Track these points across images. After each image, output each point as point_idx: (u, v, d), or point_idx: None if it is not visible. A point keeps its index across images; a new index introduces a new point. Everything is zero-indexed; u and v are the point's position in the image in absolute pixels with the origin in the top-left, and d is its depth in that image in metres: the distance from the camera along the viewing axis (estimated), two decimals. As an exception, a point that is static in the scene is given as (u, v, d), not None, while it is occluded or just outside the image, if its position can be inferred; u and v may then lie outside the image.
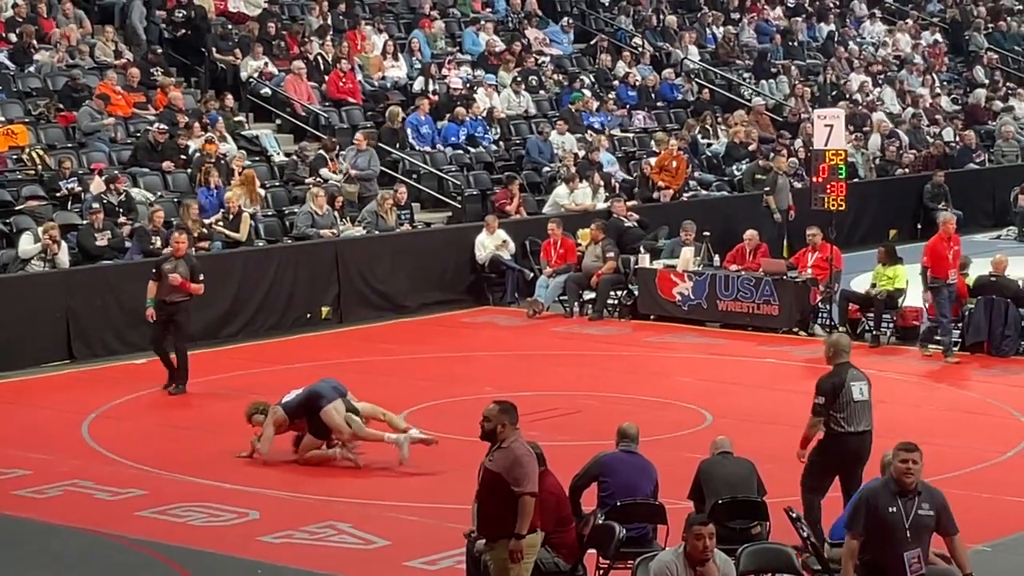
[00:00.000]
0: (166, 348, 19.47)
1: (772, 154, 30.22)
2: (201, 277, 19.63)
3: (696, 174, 30.16)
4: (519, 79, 31.68)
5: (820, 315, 23.25)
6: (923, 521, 10.15)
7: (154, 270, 19.43)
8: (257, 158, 26.63)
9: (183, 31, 29.58)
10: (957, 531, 10.30)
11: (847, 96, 35.63)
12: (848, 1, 42.09)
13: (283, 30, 30.63)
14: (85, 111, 25.59)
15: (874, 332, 22.22)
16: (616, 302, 24.74)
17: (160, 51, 28.79)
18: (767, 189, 28.12)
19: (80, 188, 23.59)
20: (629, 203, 27.32)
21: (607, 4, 37.44)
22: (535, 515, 10.59)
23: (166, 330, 19.39)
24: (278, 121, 28.68)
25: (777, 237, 27.27)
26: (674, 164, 28.64)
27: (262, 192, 25.31)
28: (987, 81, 39.73)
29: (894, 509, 10.11)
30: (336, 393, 16.01)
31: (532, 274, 25.46)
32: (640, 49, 34.86)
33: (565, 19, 35.46)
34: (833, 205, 23.18)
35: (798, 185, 29.25)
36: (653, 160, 28.94)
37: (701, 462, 12.49)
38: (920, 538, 10.18)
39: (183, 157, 25.53)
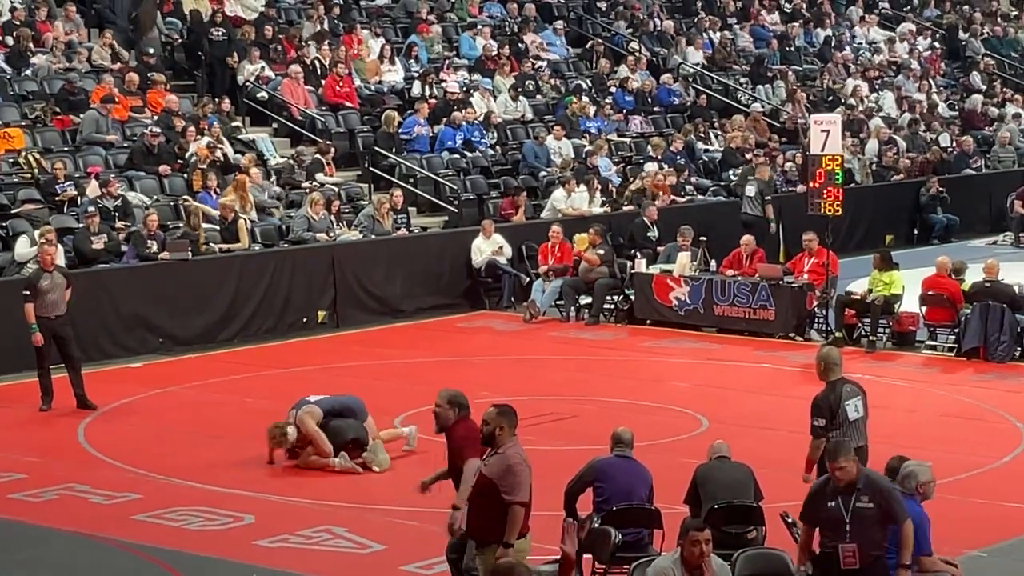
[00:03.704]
0: (50, 367, 18.70)
1: (758, 164, 30.17)
2: (71, 279, 19.06)
3: (693, 179, 30.17)
4: (516, 84, 31.69)
5: (816, 320, 23.25)
6: (864, 513, 10.55)
7: (26, 291, 18.55)
8: (256, 162, 26.58)
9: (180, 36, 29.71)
10: (906, 518, 10.60)
11: (842, 101, 35.64)
12: (845, 7, 42.12)
13: (280, 34, 30.65)
14: (91, 115, 25.57)
15: (870, 337, 22.22)
16: (612, 307, 24.75)
17: (153, 52, 28.76)
18: (768, 198, 27.97)
19: (76, 192, 23.59)
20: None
21: (604, 9, 37.45)
22: (524, 520, 10.59)
23: (51, 348, 18.64)
24: (274, 125, 28.69)
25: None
26: (660, 194, 28.39)
27: (262, 196, 25.30)
28: (984, 87, 39.77)
29: (833, 504, 10.59)
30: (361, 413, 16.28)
31: (528, 278, 25.47)
32: (637, 54, 34.87)
33: (559, 23, 35.45)
34: (830, 210, 23.18)
35: (800, 189, 29.27)
36: (634, 184, 28.80)
37: (698, 467, 12.47)
38: (864, 531, 10.55)
39: (180, 161, 25.54)
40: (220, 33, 29.14)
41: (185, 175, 25.24)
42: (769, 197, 27.96)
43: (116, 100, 26.14)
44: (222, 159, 25.51)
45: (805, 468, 12.87)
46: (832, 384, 12.86)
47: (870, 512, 10.54)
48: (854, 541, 10.52)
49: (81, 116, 25.79)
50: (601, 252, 24.66)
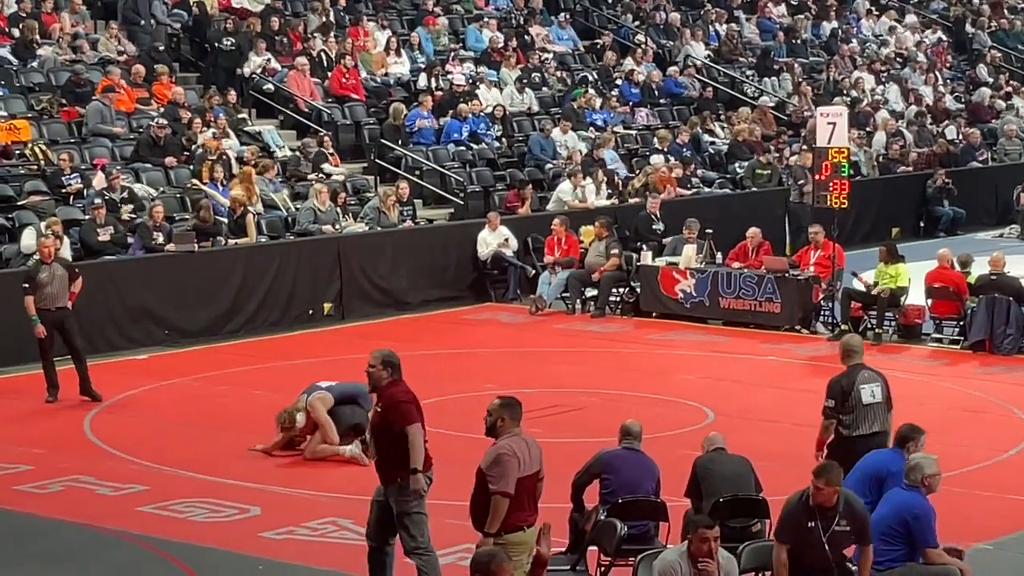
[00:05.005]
0: (53, 359, 18.72)
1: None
2: (76, 269, 19.11)
3: (699, 172, 30.17)
4: (522, 76, 31.67)
5: (822, 313, 23.25)
6: (839, 537, 10.68)
7: (26, 284, 18.53)
8: (260, 154, 26.61)
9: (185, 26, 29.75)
10: (869, 543, 10.76)
11: (843, 92, 35.55)
12: (851, -1, 42.14)
13: (286, 26, 30.64)
14: (95, 107, 25.57)
15: (876, 330, 22.21)
16: (618, 299, 24.74)
17: (162, 48, 28.82)
18: (802, 182, 28.11)
19: (82, 184, 23.61)
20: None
21: (610, 1, 37.43)
22: (529, 511, 10.61)
23: (54, 340, 18.61)
24: (280, 117, 28.69)
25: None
26: (667, 187, 28.35)
27: (269, 189, 25.34)
28: (990, 79, 39.72)
29: (812, 524, 10.59)
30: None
31: (534, 271, 25.48)
32: (644, 46, 34.86)
33: (562, 15, 35.43)
34: (836, 203, 23.16)
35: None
36: (637, 180, 28.76)
37: (697, 459, 12.45)
38: (837, 551, 10.69)
39: (186, 153, 25.55)
40: (227, 39, 29.05)
41: (191, 167, 25.25)
42: (803, 181, 28.07)
43: (116, 90, 26.12)
44: (229, 151, 25.53)
45: (816, 447, 12.99)
46: (851, 369, 13.00)
47: (846, 534, 10.68)
48: (833, 562, 10.62)
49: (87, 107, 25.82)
50: (614, 251, 24.62)
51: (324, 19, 31.29)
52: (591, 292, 24.73)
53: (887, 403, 12.93)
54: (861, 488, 11.62)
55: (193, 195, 24.40)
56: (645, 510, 12.06)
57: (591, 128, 30.54)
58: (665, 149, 30.16)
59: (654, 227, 26.38)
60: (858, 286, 22.67)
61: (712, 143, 31.94)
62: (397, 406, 11.38)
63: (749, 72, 35.93)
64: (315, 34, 30.57)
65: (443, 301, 25.21)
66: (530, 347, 22.32)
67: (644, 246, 25.15)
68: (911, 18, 42.23)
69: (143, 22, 29.10)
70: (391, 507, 11.52)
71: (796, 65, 36.43)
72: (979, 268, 22.37)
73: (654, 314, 24.17)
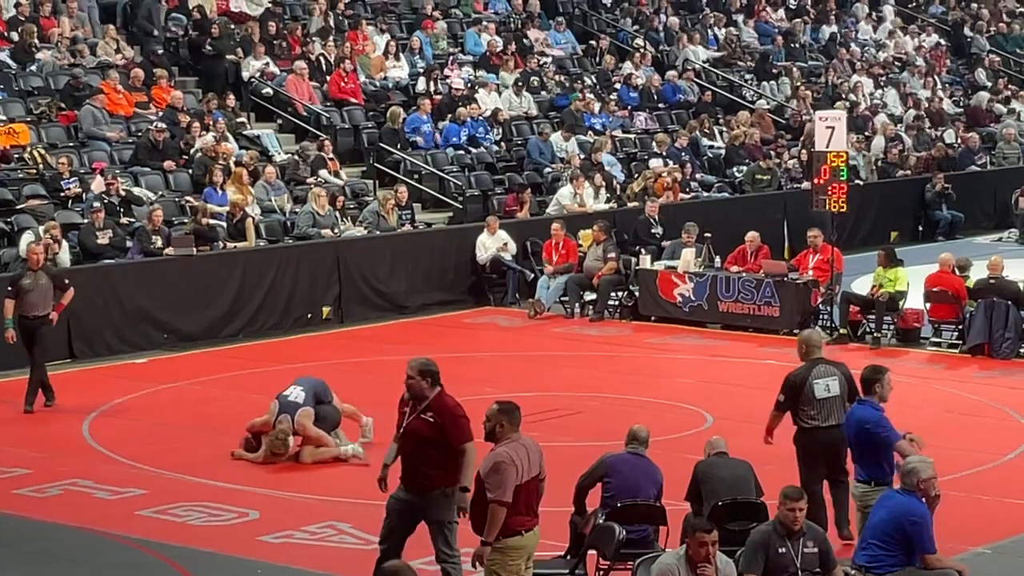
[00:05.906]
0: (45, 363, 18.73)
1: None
2: (67, 280, 19.04)
3: (698, 176, 30.18)
4: (520, 80, 31.68)
5: (821, 317, 23.25)
6: (810, 559, 10.82)
7: (10, 287, 18.58)
8: (259, 159, 26.60)
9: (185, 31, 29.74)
10: (836, 564, 10.93)
11: (842, 96, 35.57)
12: (850, 3, 42.09)
13: (284, 30, 30.65)
14: (88, 111, 25.58)
15: (875, 334, 22.22)
16: (617, 303, 24.74)
17: (161, 52, 28.83)
18: None
19: (81, 188, 23.62)
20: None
21: (609, 5, 37.44)
22: (528, 515, 10.60)
23: (32, 346, 18.63)
24: (279, 121, 28.70)
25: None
26: (668, 194, 28.34)
27: (270, 193, 25.35)
28: (989, 84, 39.74)
29: (784, 550, 10.74)
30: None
31: (533, 275, 25.48)
32: (642, 50, 34.87)
33: (558, 18, 35.38)
34: (834, 207, 23.17)
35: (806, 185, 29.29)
36: (636, 184, 28.74)
37: (698, 463, 12.50)
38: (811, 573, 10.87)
39: (185, 157, 25.56)
40: (226, 43, 29.04)
41: (190, 171, 25.26)
42: None
43: (104, 92, 26.08)
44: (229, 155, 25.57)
45: (766, 432, 13.33)
46: (808, 363, 13.22)
47: (814, 557, 10.82)
48: None
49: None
50: (612, 255, 24.62)
51: (323, 23, 31.29)
52: (590, 296, 24.73)
53: (845, 397, 13.03)
54: (855, 444, 12.16)
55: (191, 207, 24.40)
56: (644, 514, 12.07)
57: (589, 132, 30.56)
58: (664, 153, 30.18)
59: (653, 231, 26.39)
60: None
61: (711, 147, 31.93)
62: (455, 420, 11.14)
63: (748, 76, 35.93)
64: (314, 38, 30.58)
65: (442, 305, 25.22)
66: (529, 351, 22.33)
67: (643, 250, 25.14)
68: (910, 23, 42.14)
69: (155, 31, 29.09)
70: (413, 515, 11.33)
71: (795, 69, 36.44)
72: (978, 272, 22.38)
73: (653, 318, 24.17)
